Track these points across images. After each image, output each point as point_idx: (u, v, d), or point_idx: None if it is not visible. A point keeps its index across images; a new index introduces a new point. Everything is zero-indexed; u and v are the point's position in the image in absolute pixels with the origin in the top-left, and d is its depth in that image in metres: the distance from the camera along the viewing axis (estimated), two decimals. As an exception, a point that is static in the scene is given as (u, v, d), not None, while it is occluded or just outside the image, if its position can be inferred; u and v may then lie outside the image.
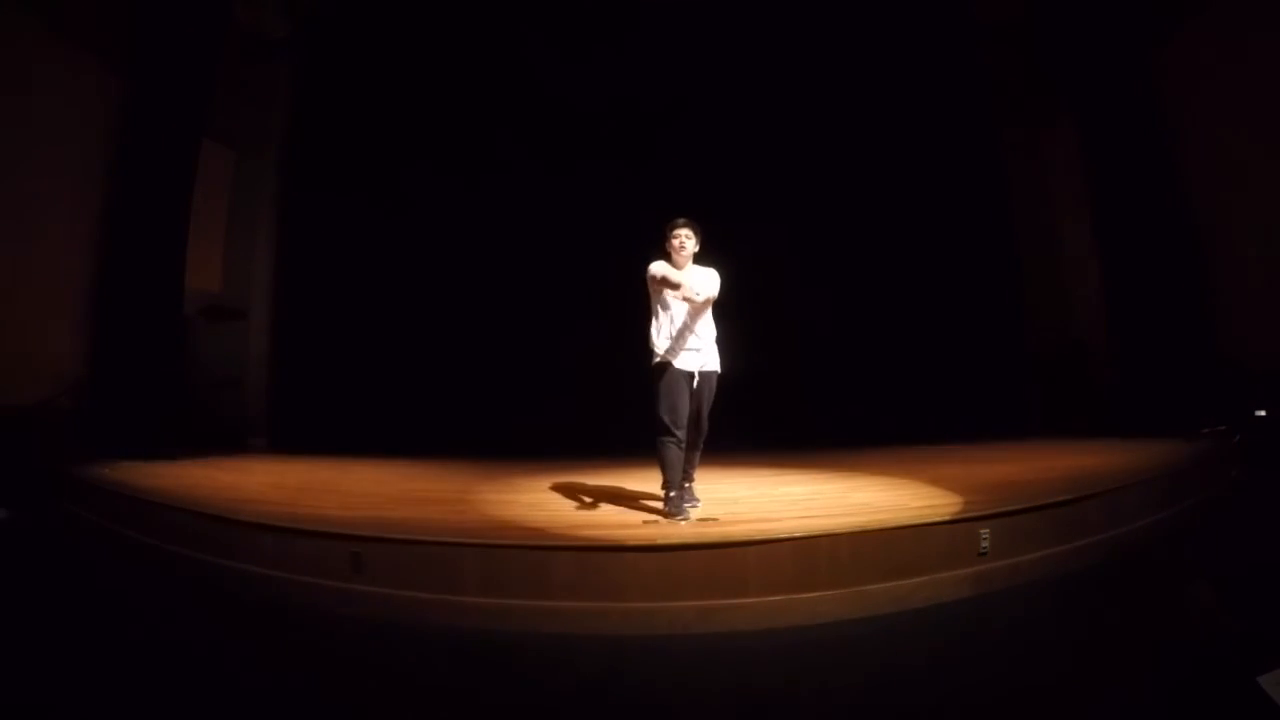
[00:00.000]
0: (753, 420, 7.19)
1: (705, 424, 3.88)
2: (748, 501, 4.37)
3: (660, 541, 3.30)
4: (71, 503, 4.74)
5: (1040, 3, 7.76)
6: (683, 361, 3.72)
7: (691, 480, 4.03)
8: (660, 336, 3.77)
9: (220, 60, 7.19)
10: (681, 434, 3.71)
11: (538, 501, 4.42)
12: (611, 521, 3.80)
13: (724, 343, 3.92)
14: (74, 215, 6.28)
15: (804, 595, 3.17)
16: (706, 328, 3.80)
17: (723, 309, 3.90)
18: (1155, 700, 2.34)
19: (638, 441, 5.00)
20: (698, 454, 3.97)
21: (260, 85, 7.95)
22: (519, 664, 2.79)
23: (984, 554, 3.50)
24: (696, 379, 3.74)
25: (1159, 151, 6.86)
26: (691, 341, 3.73)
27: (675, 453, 3.72)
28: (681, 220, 3.81)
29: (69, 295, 6.27)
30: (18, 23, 5.62)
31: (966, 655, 2.86)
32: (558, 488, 4.92)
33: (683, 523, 3.63)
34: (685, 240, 3.77)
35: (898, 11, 7.85)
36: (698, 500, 4.03)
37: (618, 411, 5.26)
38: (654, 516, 3.79)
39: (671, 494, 3.78)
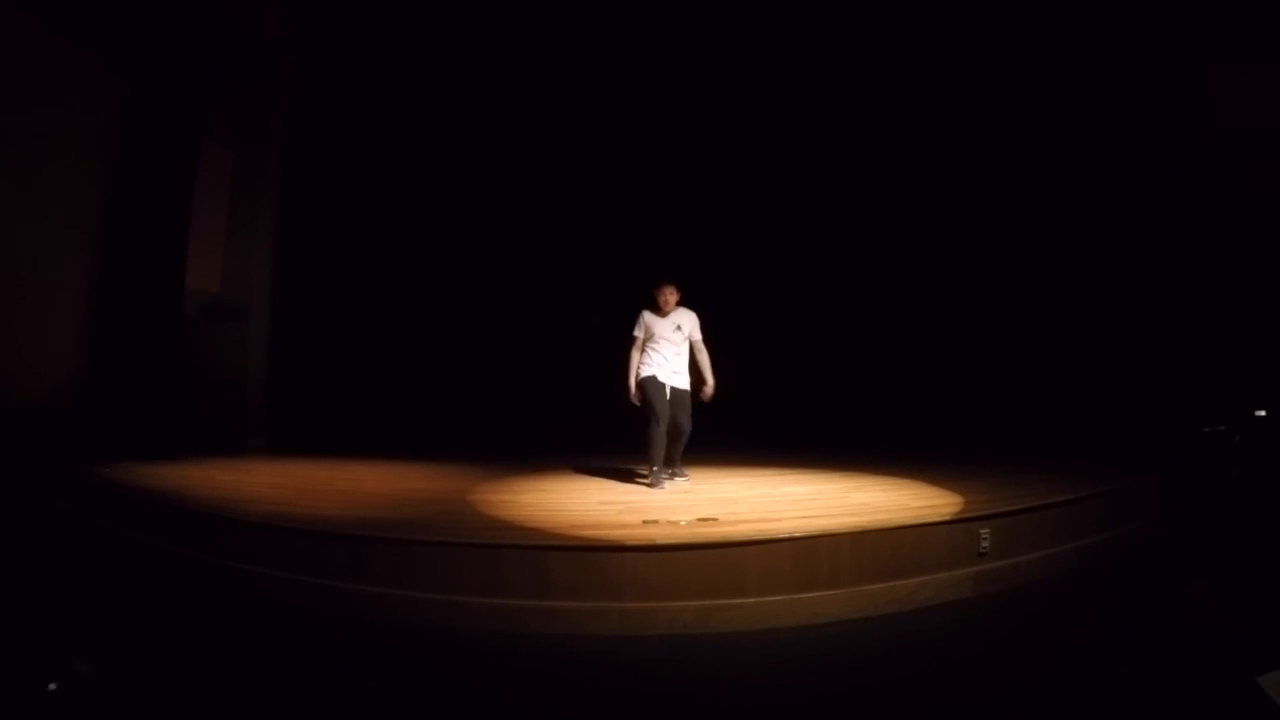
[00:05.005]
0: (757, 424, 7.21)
1: (685, 429, 4.76)
2: (748, 501, 4.37)
3: (660, 541, 3.30)
4: (72, 502, 4.73)
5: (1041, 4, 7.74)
6: (658, 374, 4.73)
7: (675, 466, 4.92)
8: (644, 358, 4.78)
9: (220, 60, 7.18)
10: (663, 424, 4.63)
11: (537, 501, 4.42)
12: (611, 521, 3.80)
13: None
14: (74, 215, 6.26)
15: (804, 595, 3.17)
16: (679, 357, 4.81)
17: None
18: (1155, 700, 2.34)
19: (638, 443, 5.02)
20: (679, 448, 4.86)
21: (260, 85, 7.94)
22: (518, 664, 2.79)
23: (984, 554, 3.51)
24: (669, 389, 4.72)
25: (1158, 151, 6.85)
26: (665, 364, 4.76)
27: (659, 436, 4.65)
28: (665, 279, 4.79)
29: (69, 295, 6.25)
30: (18, 23, 5.61)
31: (966, 655, 2.86)
32: (557, 488, 4.93)
33: (682, 523, 3.65)
34: (670, 295, 4.78)
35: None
36: (686, 476, 4.95)
37: (617, 413, 5.27)
38: (654, 517, 3.80)
39: (655, 468, 4.72)
